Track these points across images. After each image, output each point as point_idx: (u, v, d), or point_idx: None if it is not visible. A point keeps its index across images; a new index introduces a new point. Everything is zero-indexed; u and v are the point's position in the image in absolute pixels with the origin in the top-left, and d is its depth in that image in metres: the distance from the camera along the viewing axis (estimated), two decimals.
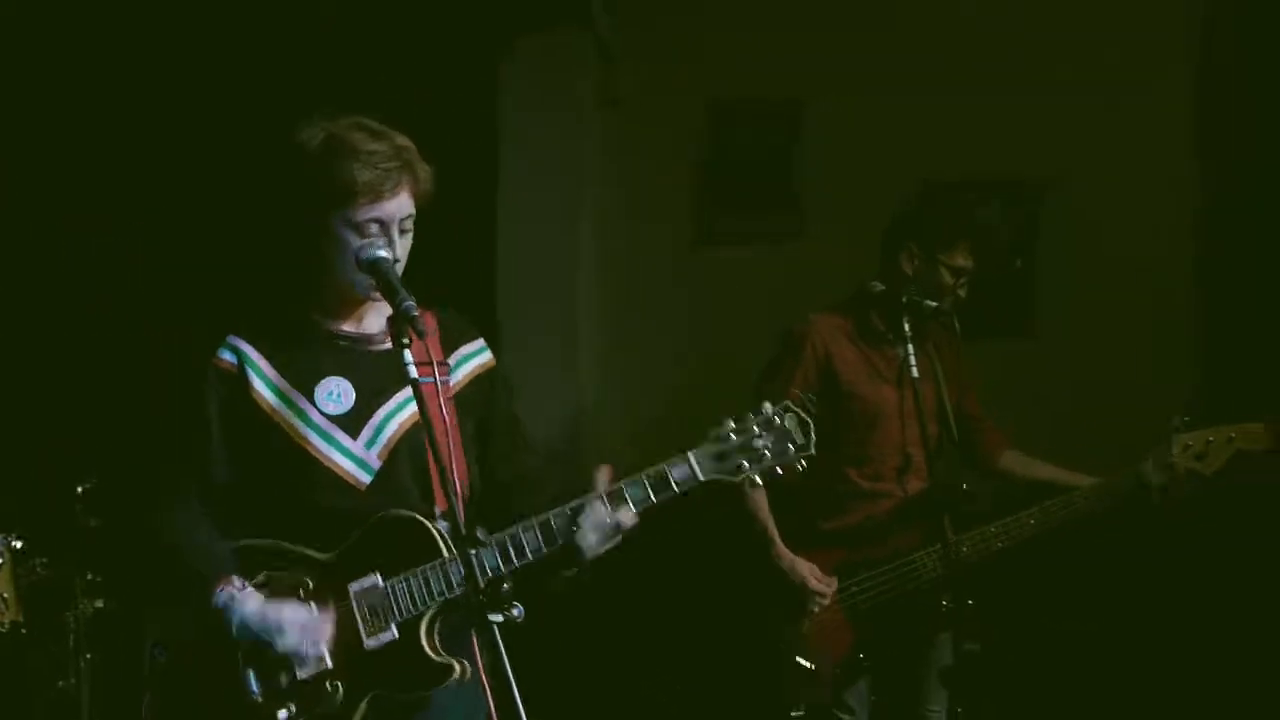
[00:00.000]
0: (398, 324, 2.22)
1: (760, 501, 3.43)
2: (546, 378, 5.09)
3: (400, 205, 2.32)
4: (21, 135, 4.75)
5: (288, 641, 2.25)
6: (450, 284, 2.32)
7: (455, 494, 2.23)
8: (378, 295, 2.30)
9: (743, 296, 5.20)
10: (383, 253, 2.28)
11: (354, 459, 2.37)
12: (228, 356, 2.40)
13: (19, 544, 3.80)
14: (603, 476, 2.34)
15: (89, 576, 4.13)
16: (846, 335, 3.57)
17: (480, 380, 2.49)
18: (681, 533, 2.54)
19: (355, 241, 2.30)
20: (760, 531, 3.45)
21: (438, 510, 2.36)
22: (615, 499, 2.30)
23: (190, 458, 2.39)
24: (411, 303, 2.20)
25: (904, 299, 3.47)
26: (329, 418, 2.37)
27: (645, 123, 5.38)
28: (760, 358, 3.71)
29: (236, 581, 2.29)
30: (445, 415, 2.34)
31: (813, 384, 3.46)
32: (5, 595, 3.70)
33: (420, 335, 2.21)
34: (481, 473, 2.48)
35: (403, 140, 2.34)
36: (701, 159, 5.40)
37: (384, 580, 2.30)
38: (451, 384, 2.43)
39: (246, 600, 2.27)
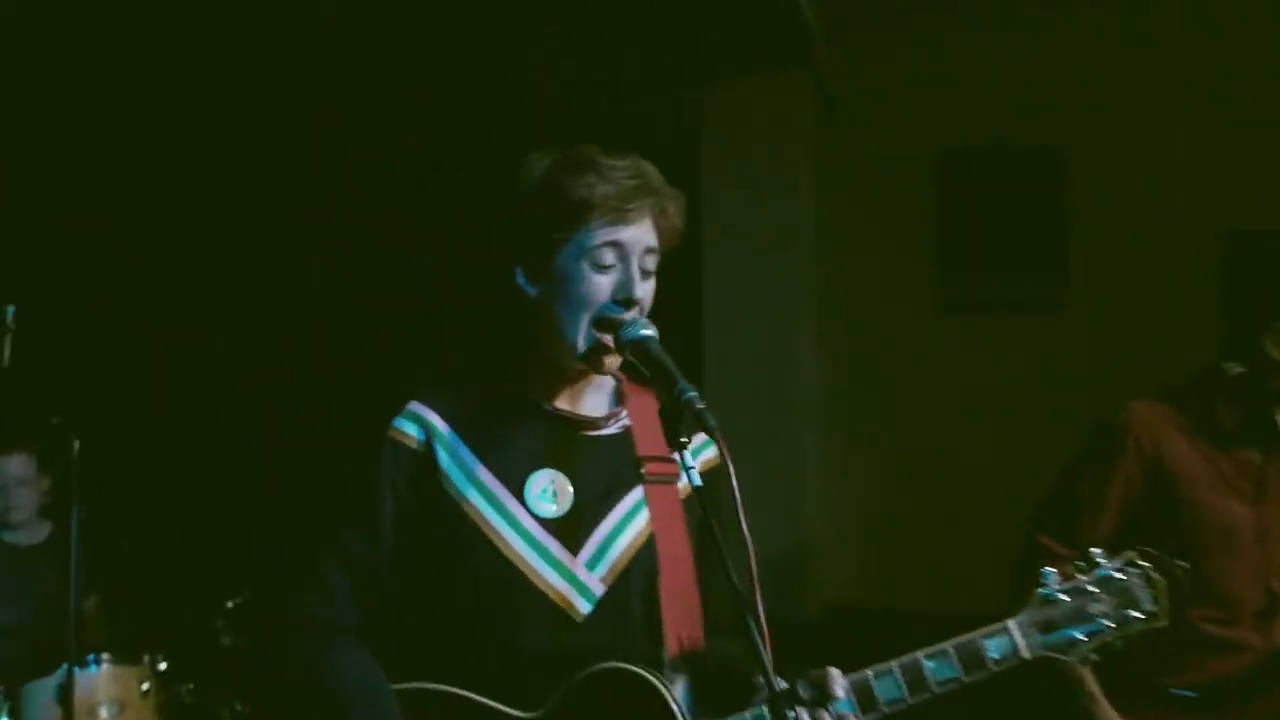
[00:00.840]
0: (671, 419, 1.87)
1: None
2: (763, 478, 4.43)
3: (642, 233, 1.94)
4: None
5: None
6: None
7: (763, 634, 1.71)
8: (605, 366, 1.93)
9: (996, 374, 4.67)
10: (649, 331, 1.89)
11: (573, 581, 1.93)
12: (410, 429, 1.96)
13: (164, 665, 3.76)
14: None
15: (237, 707, 3.96)
16: (1182, 431, 2.83)
17: (706, 481, 1.96)
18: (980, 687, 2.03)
19: (588, 274, 1.92)
20: (1082, 693, 2.79)
21: (667, 657, 1.94)
22: (911, 677, 1.90)
23: (351, 560, 1.94)
24: (696, 393, 1.78)
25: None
26: (542, 522, 1.94)
27: (869, 174, 4.87)
28: (1028, 449, 3.30)
29: None
30: (677, 527, 1.98)
31: (1136, 493, 2.78)
32: None
33: (711, 434, 1.77)
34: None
35: (649, 165, 1.97)
36: (936, 214, 4.84)
37: None
38: (679, 485, 2.02)
39: None
